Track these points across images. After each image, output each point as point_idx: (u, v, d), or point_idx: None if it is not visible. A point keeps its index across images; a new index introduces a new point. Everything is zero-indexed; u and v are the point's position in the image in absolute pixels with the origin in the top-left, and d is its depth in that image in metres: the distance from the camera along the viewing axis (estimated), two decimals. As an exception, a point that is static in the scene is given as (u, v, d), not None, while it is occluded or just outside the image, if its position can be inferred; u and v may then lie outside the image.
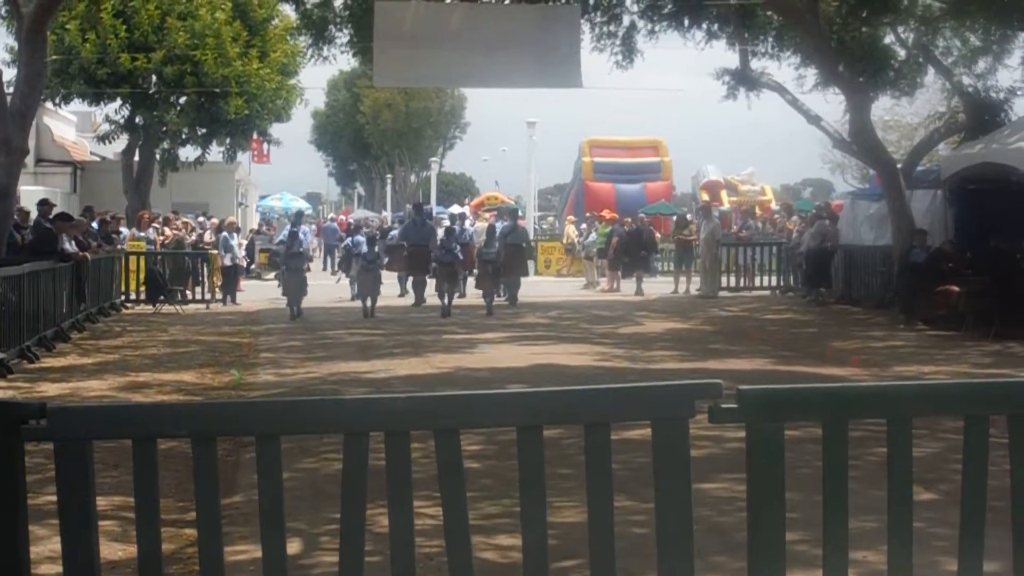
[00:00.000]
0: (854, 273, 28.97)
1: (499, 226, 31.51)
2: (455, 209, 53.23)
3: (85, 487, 4.14)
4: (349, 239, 32.79)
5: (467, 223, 35.12)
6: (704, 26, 29.58)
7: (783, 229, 37.74)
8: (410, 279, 30.60)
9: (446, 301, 27.25)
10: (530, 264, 39.88)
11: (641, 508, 7.17)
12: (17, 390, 14.93)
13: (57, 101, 39.82)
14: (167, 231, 34.16)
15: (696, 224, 37.18)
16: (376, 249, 28.58)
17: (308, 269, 29.40)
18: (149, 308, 28.27)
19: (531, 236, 49.10)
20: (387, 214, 71.95)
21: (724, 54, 30.73)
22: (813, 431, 4.54)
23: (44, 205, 23.64)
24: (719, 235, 34.38)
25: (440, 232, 30.17)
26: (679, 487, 4.33)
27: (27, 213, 24.02)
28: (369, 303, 26.94)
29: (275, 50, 40.35)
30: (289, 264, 27.30)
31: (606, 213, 40.03)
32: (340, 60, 28.50)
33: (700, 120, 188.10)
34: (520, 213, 54.68)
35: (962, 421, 4.50)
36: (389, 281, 30.95)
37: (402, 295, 31.68)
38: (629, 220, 41.43)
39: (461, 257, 29.07)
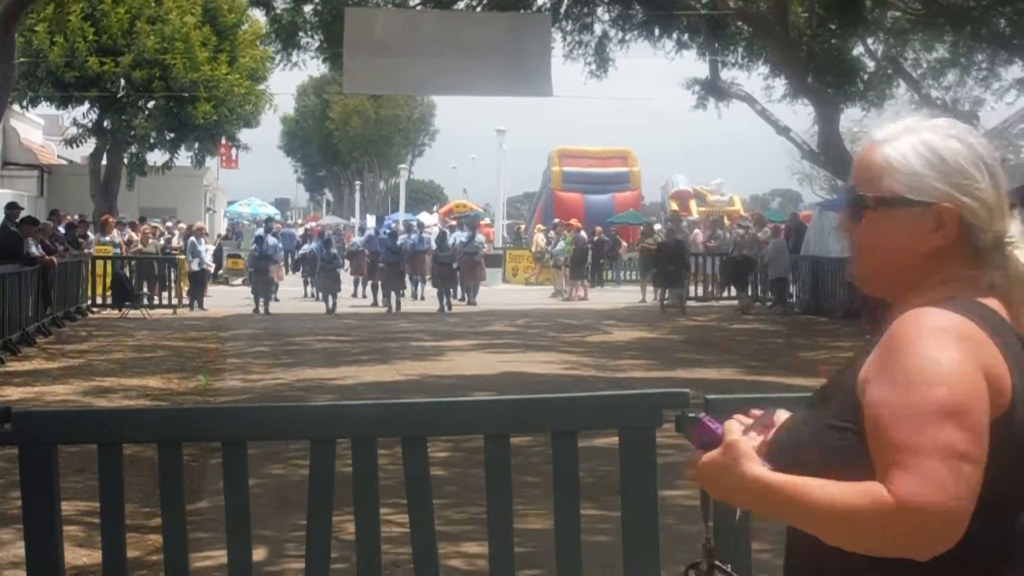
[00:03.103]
0: (821, 284, 29.10)
1: (454, 234, 34.21)
2: (423, 217, 53.94)
3: (50, 492, 4.12)
4: (311, 244, 35.30)
5: (424, 232, 35.97)
6: (675, 36, 29.65)
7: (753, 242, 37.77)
8: (369, 283, 33.77)
9: (392, 299, 30.55)
10: (497, 272, 40.44)
11: (607, 516, 7.18)
12: (-19, 394, 14.84)
13: (24, 104, 39.66)
14: (132, 235, 34.03)
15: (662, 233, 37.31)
16: (333, 251, 31.70)
17: (280, 276, 32.10)
18: (115, 313, 28.13)
19: (500, 244, 49.35)
20: (355, 221, 71.92)
21: (694, 64, 30.86)
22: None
23: (12, 209, 23.52)
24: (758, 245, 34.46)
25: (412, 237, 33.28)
26: (645, 495, 4.34)
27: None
28: (331, 301, 29.79)
29: (244, 55, 40.27)
30: (257, 266, 30.15)
31: (574, 222, 39.99)
32: (310, 66, 28.49)
33: (670, 130, 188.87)
34: (488, 220, 54.91)
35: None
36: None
37: (355, 295, 34.54)
38: (599, 229, 41.61)
39: (406, 260, 31.76)
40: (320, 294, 31.59)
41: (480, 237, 34.34)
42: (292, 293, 33.89)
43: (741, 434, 2.28)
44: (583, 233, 38.21)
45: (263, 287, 29.62)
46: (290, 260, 43.23)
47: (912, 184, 2.25)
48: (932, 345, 2.11)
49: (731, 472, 2.21)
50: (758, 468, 2.19)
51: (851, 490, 2.07)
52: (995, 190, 2.25)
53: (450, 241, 32.84)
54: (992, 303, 2.22)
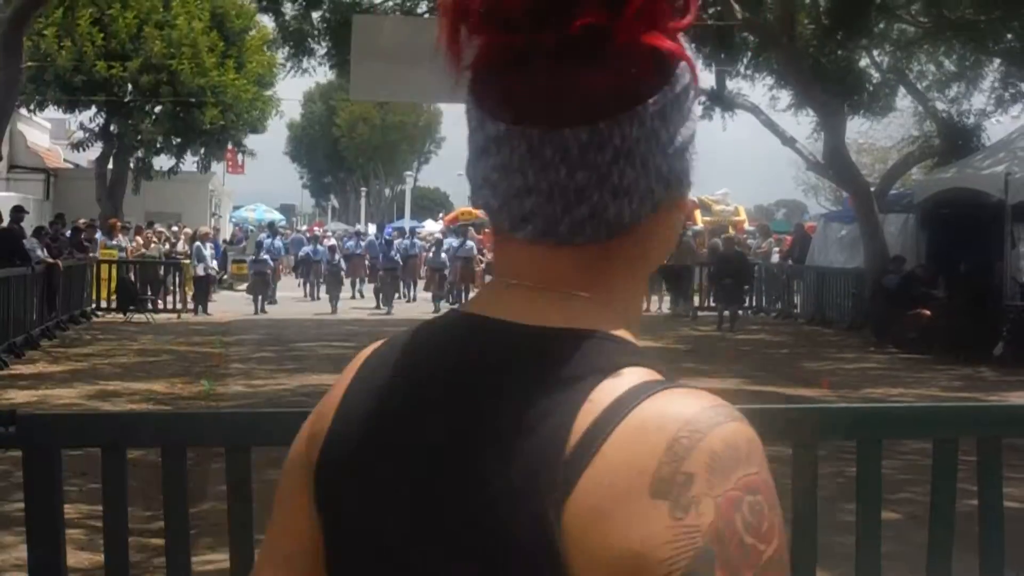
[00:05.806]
0: (826, 295, 29.07)
1: (448, 241, 36.35)
2: (428, 224, 54.75)
3: (53, 495, 4.12)
4: (309, 248, 38.62)
5: (415, 239, 39.68)
6: (681, 46, 29.61)
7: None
8: (371, 286, 36.51)
9: (389, 302, 33.09)
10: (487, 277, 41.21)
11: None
12: (-15, 397, 14.85)
13: (32, 107, 39.67)
14: (139, 239, 34.14)
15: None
16: (337, 257, 34.84)
17: (277, 276, 35.61)
18: (120, 317, 28.16)
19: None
20: (360, 227, 72.11)
21: (700, 74, 30.76)
22: (775, 450, 4.54)
23: (18, 213, 23.54)
24: (694, 254, 34.46)
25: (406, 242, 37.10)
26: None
27: (-1, 219, 24.01)
28: (334, 302, 32.70)
29: (251, 61, 40.32)
30: (254, 269, 32.52)
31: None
32: (317, 72, 28.61)
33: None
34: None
35: (923, 442, 4.52)
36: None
37: (353, 297, 37.11)
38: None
39: (401, 263, 34.67)
40: (328, 295, 33.62)
41: (470, 243, 35.49)
42: (292, 295, 35.63)
43: None
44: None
45: (259, 287, 31.94)
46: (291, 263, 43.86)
47: None
48: None
49: None
50: None
51: None
52: None
53: (444, 247, 34.90)
54: None
